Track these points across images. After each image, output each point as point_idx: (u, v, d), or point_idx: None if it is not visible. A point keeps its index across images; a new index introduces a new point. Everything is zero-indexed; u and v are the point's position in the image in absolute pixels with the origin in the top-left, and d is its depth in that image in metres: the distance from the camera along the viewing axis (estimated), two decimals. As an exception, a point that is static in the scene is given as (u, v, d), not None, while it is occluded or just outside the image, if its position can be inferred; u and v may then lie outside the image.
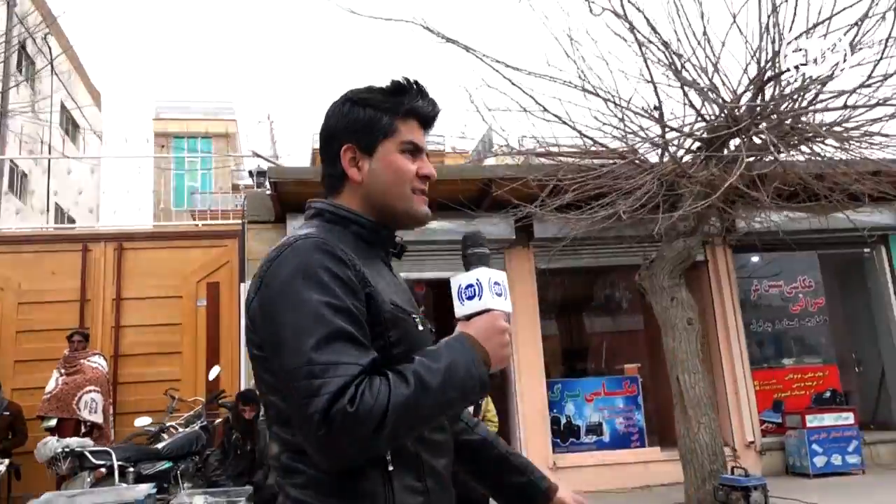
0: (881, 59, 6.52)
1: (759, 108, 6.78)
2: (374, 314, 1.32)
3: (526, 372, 8.70)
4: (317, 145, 1.71)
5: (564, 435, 8.75)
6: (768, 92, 6.97)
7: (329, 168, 1.51)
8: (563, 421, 8.80)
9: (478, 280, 1.37)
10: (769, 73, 6.70)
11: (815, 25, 6.65)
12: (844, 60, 6.80)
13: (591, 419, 8.88)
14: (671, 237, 7.54)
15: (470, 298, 1.37)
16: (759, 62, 6.84)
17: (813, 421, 8.47)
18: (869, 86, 6.45)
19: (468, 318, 1.37)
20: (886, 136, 7.45)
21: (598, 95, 6.97)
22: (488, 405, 6.44)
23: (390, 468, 1.29)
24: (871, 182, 7.39)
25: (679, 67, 6.80)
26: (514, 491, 1.69)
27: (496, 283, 1.38)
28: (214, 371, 8.02)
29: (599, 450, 8.78)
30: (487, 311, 1.36)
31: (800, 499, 6.97)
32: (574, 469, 8.52)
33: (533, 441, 8.53)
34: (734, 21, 6.87)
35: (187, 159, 23.94)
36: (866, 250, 9.90)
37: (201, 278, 9.21)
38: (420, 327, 1.43)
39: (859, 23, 6.53)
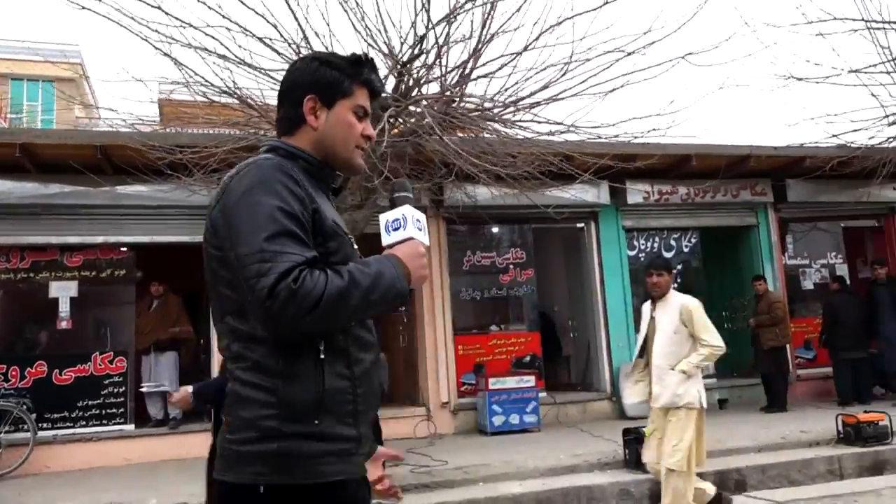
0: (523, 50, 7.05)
1: (402, 92, 7.15)
2: (318, 227, 1.60)
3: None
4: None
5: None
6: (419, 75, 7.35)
7: (288, 111, 1.79)
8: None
9: (403, 215, 1.68)
10: (408, 56, 7.05)
11: (452, 13, 7.04)
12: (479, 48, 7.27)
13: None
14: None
15: (395, 230, 1.67)
16: (409, 46, 7.18)
17: (495, 384, 9.14)
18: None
19: (391, 246, 1.67)
20: (548, 120, 8.05)
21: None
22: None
23: (322, 356, 1.55)
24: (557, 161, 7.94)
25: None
26: None
27: (417, 220, 1.70)
28: None
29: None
30: (409, 239, 1.66)
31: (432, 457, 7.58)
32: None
33: (229, 401, 8.82)
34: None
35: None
36: (580, 225, 10.65)
37: None
38: (354, 246, 1.72)
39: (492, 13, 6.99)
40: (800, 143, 10.57)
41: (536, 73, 7.48)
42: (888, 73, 10.05)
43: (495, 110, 7.57)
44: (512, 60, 7.26)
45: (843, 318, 10.02)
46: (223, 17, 6.27)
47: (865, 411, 7.93)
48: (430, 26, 6.98)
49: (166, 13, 6.25)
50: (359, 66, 1.81)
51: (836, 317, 10.07)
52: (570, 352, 11.61)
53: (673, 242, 11.18)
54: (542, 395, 9.79)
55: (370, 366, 1.69)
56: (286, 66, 7.05)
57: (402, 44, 7.11)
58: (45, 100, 24.63)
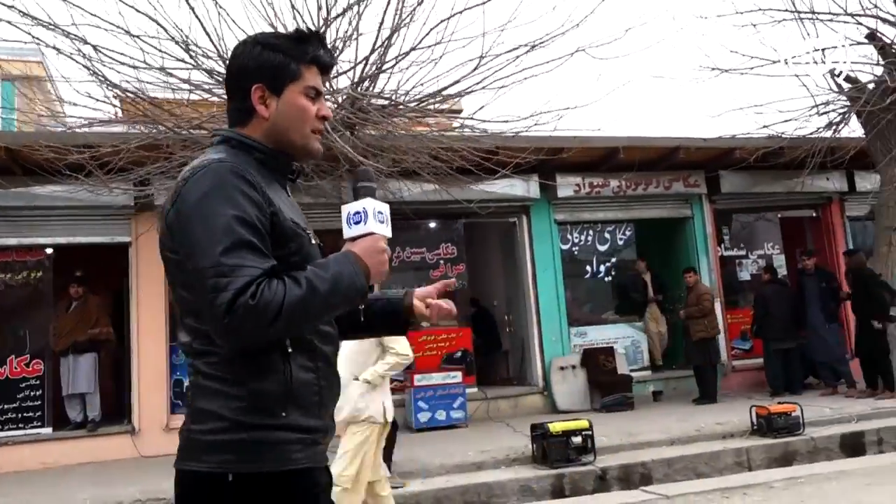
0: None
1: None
2: (278, 229, 1.57)
3: (147, 336, 8.83)
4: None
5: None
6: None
7: (237, 102, 1.72)
8: (186, 383, 9.03)
9: (364, 208, 1.64)
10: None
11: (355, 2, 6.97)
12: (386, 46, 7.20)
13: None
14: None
15: (357, 223, 1.64)
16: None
17: (421, 380, 9.10)
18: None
19: (353, 239, 1.64)
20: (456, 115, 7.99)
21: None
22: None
23: (289, 350, 1.57)
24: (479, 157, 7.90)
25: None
26: (381, 315, 1.89)
27: (379, 212, 1.65)
28: None
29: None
30: (370, 234, 1.63)
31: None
32: (194, 429, 8.80)
33: (149, 402, 8.72)
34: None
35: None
36: (512, 219, 10.61)
37: None
38: (313, 241, 1.71)
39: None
40: (732, 135, 10.59)
41: (447, 71, 7.47)
42: (815, 62, 10.06)
43: (407, 105, 7.52)
44: (412, 51, 7.19)
45: (774, 309, 10.04)
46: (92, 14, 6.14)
47: (779, 402, 7.95)
48: (330, 19, 6.90)
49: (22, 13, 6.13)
50: (303, 44, 1.72)
51: (767, 307, 10.09)
52: (507, 346, 11.59)
53: (607, 235, 11.15)
54: (473, 390, 9.77)
55: (332, 357, 1.72)
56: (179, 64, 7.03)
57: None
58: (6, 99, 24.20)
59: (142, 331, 8.84)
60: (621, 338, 10.77)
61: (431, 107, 7.75)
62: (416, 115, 8.03)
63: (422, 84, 7.92)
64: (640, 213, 11.00)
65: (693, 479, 6.88)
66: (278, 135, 1.71)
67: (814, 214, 12.14)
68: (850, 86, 10.00)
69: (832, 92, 10.23)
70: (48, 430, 8.56)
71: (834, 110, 10.41)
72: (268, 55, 1.69)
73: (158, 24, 6.38)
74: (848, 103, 10.22)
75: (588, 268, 11.03)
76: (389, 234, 1.68)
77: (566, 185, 10.26)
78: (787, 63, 9.89)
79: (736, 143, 10.34)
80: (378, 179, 8.44)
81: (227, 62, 1.80)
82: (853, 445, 7.62)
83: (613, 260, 11.25)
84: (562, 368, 10.04)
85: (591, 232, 11.00)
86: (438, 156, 8.12)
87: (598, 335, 10.61)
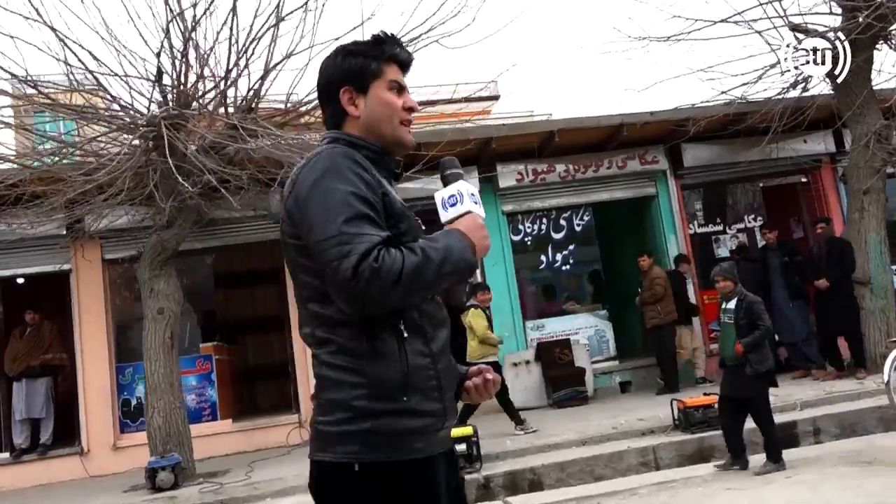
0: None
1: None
2: (389, 209, 1.67)
3: (91, 358, 9.13)
4: None
5: (135, 415, 9.24)
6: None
7: (330, 108, 1.86)
8: (134, 402, 9.30)
9: (459, 191, 1.73)
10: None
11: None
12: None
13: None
14: (150, 232, 7.93)
15: (453, 205, 1.73)
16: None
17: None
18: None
19: (450, 222, 1.72)
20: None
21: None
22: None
23: (405, 335, 1.65)
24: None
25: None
26: None
27: (472, 194, 1.75)
28: None
29: (170, 426, 9.28)
30: (468, 213, 1.72)
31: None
32: (143, 446, 9.05)
33: (96, 422, 9.02)
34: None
35: None
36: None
37: None
38: (423, 228, 1.80)
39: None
40: (692, 104, 9.91)
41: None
42: (768, 17, 9.24)
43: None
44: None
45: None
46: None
47: (705, 394, 7.37)
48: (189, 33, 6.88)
49: None
50: (380, 45, 1.84)
51: (734, 286, 9.38)
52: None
53: (563, 222, 10.66)
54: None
55: (445, 342, 1.77)
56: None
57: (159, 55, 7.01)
58: None
59: (86, 353, 9.15)
60: (584, 328, 10.30)
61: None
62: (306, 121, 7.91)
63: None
64: (599, 195, 10.44)
65: (590, 482, 6.49)
66: (371, 130, 1.80)
67: (803, 180, 11.18)
68: (804, 36, 9.14)
69: (792, 48, 9.37)
70: (6, 455, 9.00)
71: (795, 68, 9.54)
72: (350, 60, 1.81)
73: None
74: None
75: (543, 258, 10.60)
76: (484, 215, 1.74)
77: (508, 174, 9.87)
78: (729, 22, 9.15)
79: (688, 114, 9.65)
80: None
81: (317, 78, 1.90)
82: (784, 438, 6.97)
83: (572, 247, 10.76)
84: (515, 364, 9.69)
85: (544, 220, 10.56)
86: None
87: (557, 327, 10.19)
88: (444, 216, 1.73)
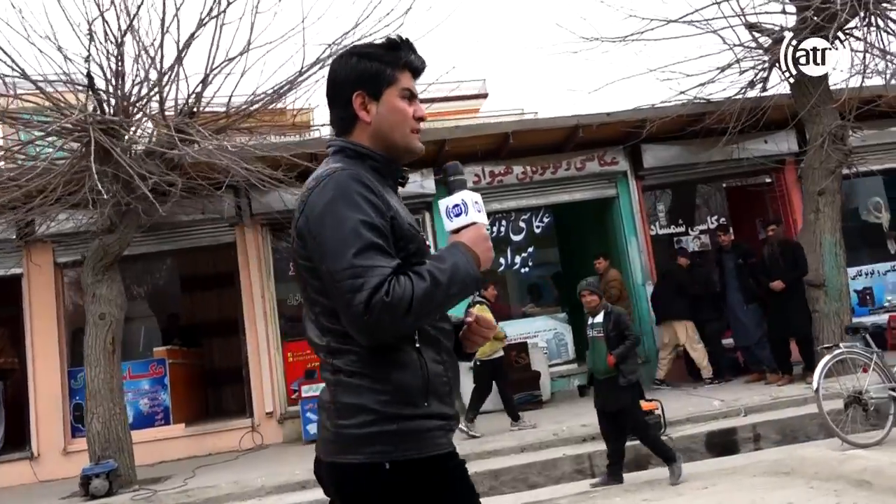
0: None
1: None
2: (398, 232, 1.69)
3: (42, 363, 9.10)
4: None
5: (87, 419, 9.19)
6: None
7: (340, 111, 1.84)
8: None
9: (463, 200, 1.74)
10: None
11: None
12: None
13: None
14: (94, 236, 7.89)
15: (457, 215, 1.74)
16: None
17: (308, 391, 8.93)
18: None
19: (456, 231, 1.75)
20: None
21: None
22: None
23: (418, 345, 1.70)
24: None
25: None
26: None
27: (476, 202, 1.76)
28: None
29: (122, 430, 9.23)
30: (473, 224, 1.74)
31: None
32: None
33: (47, 427, 8.99)
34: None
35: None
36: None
37: None
38: (428, 243, 1.92)
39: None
40: (652, 105, 9.82)
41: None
42: (724, 17, 9.14)
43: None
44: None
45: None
46: None
47: (646, 400, 7.29)
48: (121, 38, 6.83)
49: None
50: (396, 51, 1.83)
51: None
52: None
53: (522, 224, 10.58)
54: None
55: (452, 351, 1.84)
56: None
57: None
58: None
59: (37, 357, 9.12)
60: (543, 331, 10.23)
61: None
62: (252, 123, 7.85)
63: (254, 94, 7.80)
64: (559, 197, 10.36)
65: (523, 490, 6.43)
66: (382, 137, 1.80)
67: (768, 181, 11.08)
68: (760, 35, 9.06)
69: (747, 47, 9.30)
70: (-43, 460, 8.98)
71: (752, 67, 9.46)
72: (364, 64, 1.79)
73: None
74: (766, 57, 9.26)
75: (502, 260, 10.51)
76: (487, 222, 1.77)
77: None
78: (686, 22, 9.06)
79: (646, 114, 9.57)
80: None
81: (327, 77, 1.88)
82: (724, 444, 6.93)
83: (531, 250, 10.68)
84: (471, 369, 9.61)
85: (503, 222, 10.48)
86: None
87: (515, 330, 10.09)
88: (449, 225, 1.75)
